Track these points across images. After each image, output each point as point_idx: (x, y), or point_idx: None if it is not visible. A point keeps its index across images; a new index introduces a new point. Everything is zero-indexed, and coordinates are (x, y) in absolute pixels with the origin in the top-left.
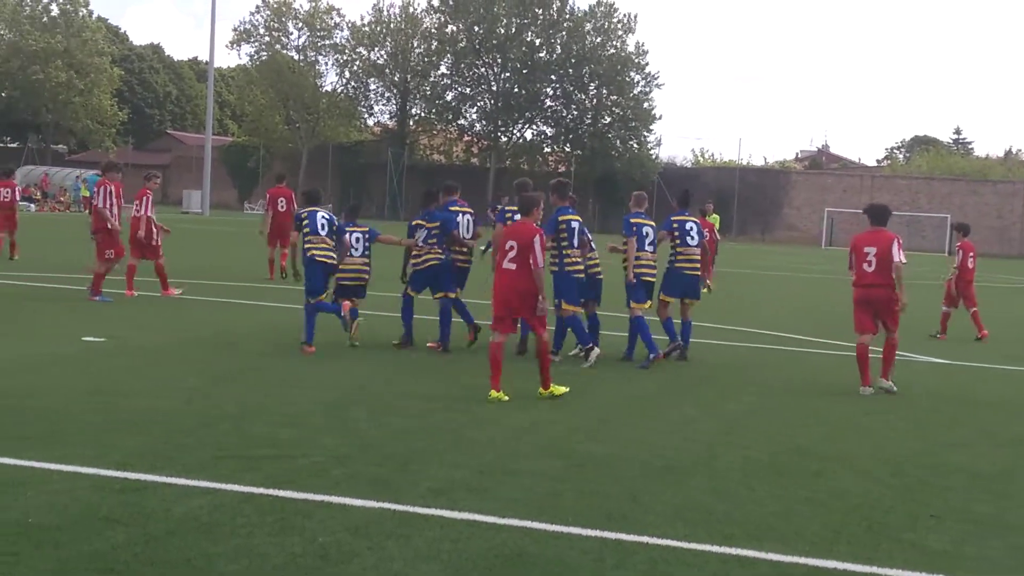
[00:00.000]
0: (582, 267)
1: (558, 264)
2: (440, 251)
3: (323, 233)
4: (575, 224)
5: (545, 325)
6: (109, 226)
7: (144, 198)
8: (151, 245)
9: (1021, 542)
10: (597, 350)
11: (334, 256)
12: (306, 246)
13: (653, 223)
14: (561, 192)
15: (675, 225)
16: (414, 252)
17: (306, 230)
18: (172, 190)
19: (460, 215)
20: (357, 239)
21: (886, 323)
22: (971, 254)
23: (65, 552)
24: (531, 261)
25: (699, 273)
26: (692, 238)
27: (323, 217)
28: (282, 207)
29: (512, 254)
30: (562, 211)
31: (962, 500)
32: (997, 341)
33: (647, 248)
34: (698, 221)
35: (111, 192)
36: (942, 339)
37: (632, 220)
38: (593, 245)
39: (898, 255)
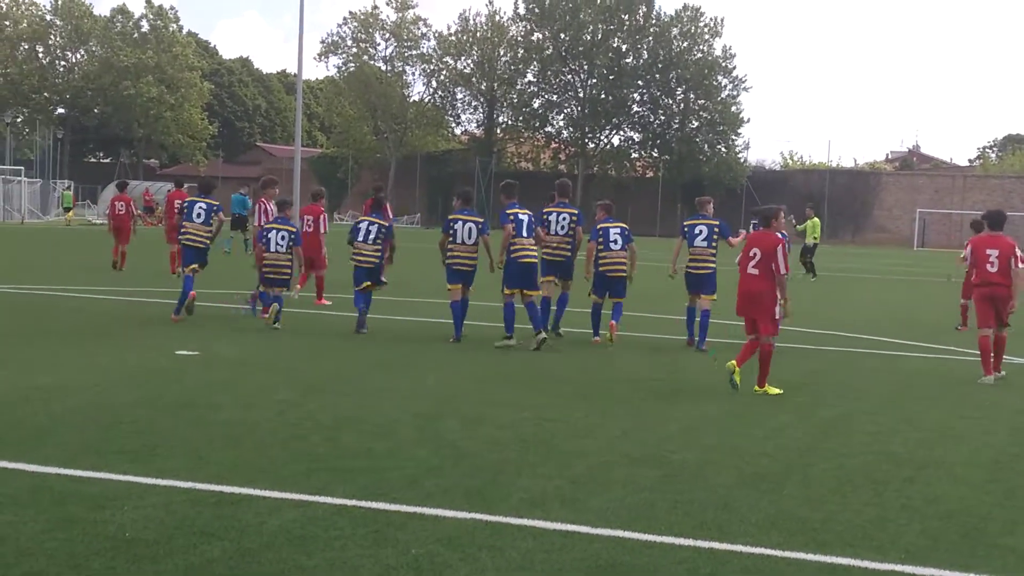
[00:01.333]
0: (534, 255)
1: (507, 253)
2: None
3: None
4: (523, 217)
5: (777, 328)
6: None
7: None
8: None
9: None
10: (543, 335)
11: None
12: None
13: (712, 223)
14: (508, 192)
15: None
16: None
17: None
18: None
19: (462, 223)
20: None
21: (1001, 320)
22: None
23: (161, 566)
24: (774, 267)
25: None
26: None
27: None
28: (309, 226)
29: (755, 260)
30: (511, 207)
31: None
32: None
33: (698, 244)
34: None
35: (269, 210)
36: (963, 330)
37: (686, 222)
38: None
39: (1016, 262)
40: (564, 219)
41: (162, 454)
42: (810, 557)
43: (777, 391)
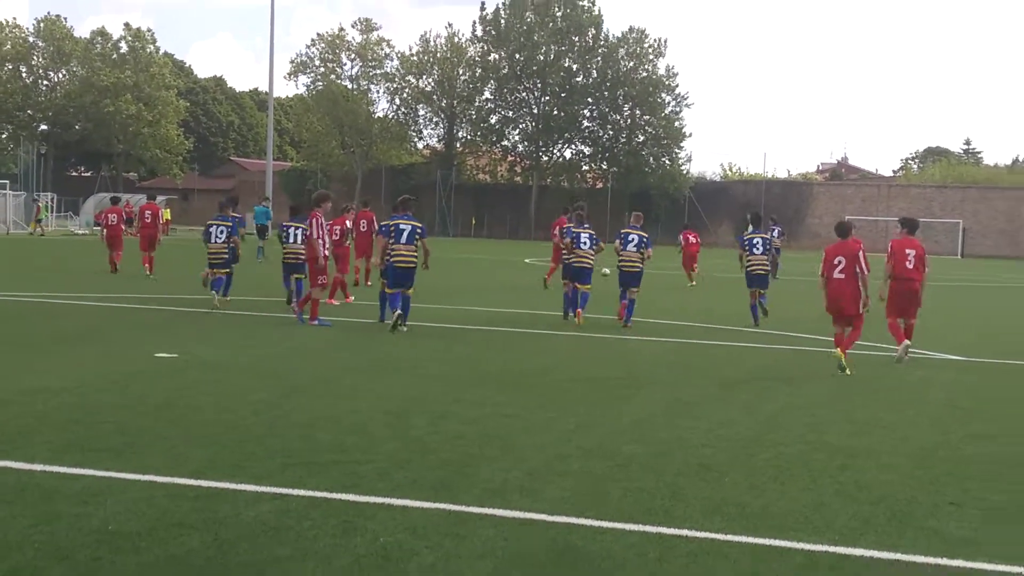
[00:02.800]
0: (410, 259)
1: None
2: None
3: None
4: (404, 227)
5: (860, 322)
6: (321, 257)
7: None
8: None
9: None
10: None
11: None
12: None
13: (643, 234)
14: (401, 205)
15: (745, 241)
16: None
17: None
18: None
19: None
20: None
21: (910, 311)
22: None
23: (144, 557)
24: (858, 269)
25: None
26: (757, 248)
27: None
28: (363, 228)
29: (841, 266)
30: (395, 217)
31: (980, 489)
32: (1008, 339)
33: (629, 250)
34: (764, 236)
35: (323, 224)
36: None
37: (622, 231)
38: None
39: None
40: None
41: (143, 451)
42: (751, 540)
43: (846, 365)
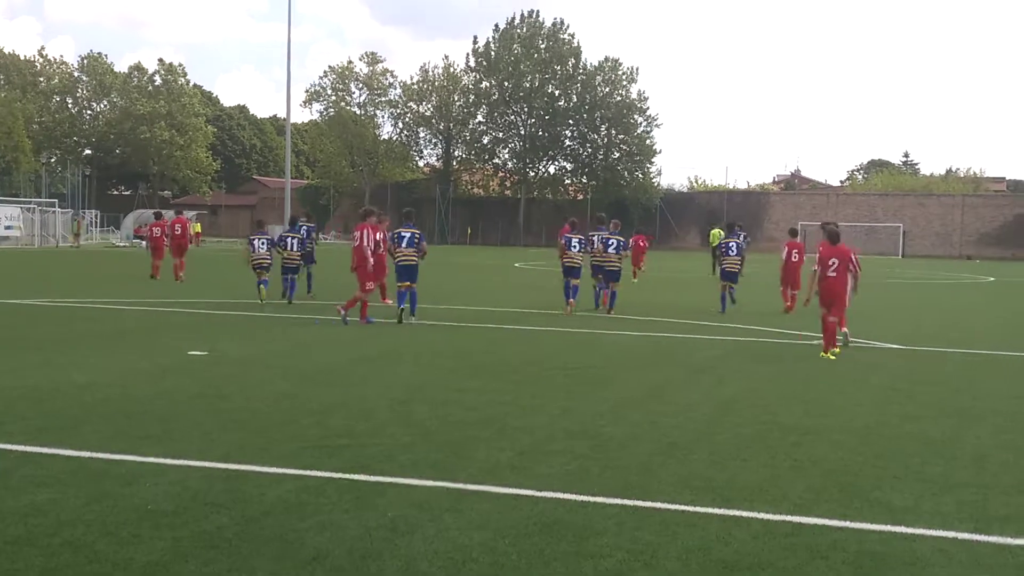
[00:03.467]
0: (413, 259)
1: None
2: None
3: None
4: (405, 234)
5: (844, 311)
6: (368, 263)
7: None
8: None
9: (966, 497)
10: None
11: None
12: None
13: (620, 238)
14: (406, 217)
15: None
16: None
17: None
18: None
19: (404, 234)
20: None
21: (836, 308)
22: (795, 250)
23: (178, 532)
24: (851, 268)
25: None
26: (732, 251)
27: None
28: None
29: (835, 266)
30: (402, 227)
31: (918, 463)
32: (941, 329)
33: (610, 252)
34: (737, 241)
35: (369, 235)
36: (791, 311)
37: (605, 235)
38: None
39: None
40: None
41: (178, 438)
42: (716, 511)
43: (833, 356)
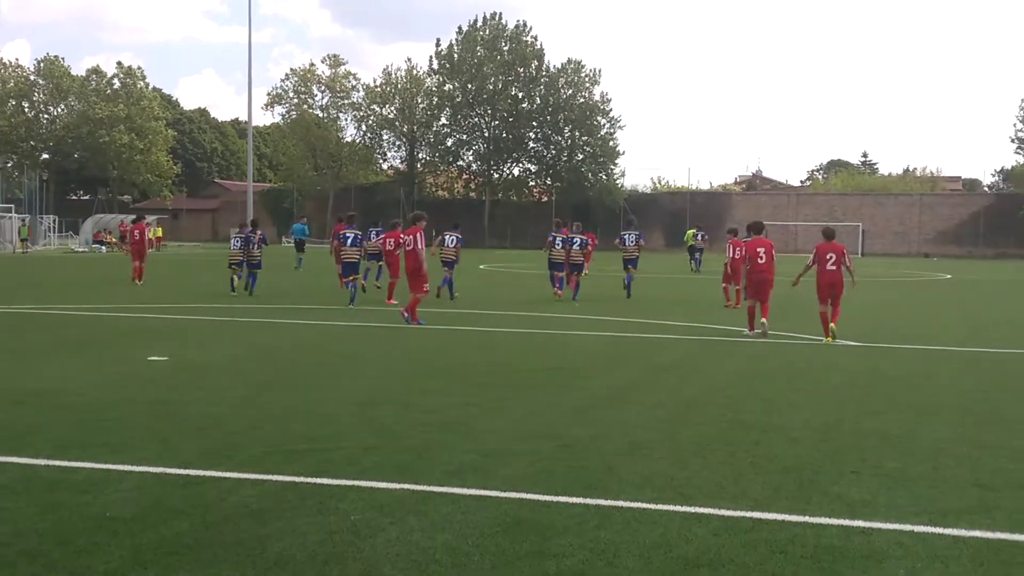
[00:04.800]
0: (356, 257)
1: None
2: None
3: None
4: (349, 235)
5: (840, 301)
6: (423, 267)
7: (416, 235)
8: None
9: (922, 491)
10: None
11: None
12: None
13: (582, 236)
14: (346, 220)
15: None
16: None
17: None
18: (221, 229)
19: (348, 235)
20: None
21: (764, 296)
22: (738, 247)
23: (138, 540)
24: (846, 263)
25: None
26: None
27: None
28: (390, 247)
29: (832, 260)
30: (347, 228)
31: (875, 458)
32: (900, 326)
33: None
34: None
35: (418, 238)
36: (732, 307)
37: (570, 235)
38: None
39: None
40: (634, 235)
41: (137, 445)
42: (677, 508)
43: (831, 339)
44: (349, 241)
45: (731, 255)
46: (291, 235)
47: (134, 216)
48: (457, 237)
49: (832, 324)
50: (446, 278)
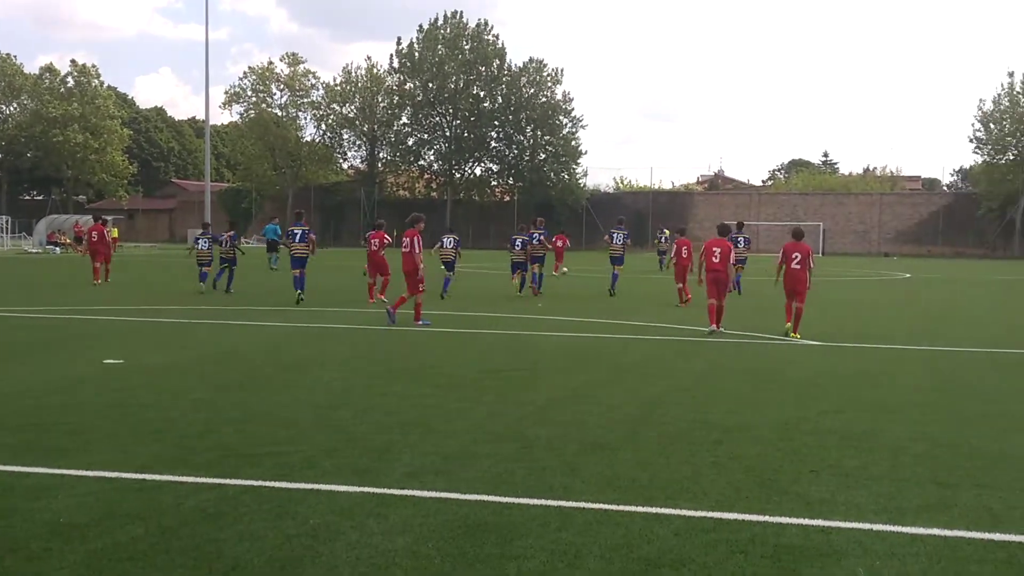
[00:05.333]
0: (303, 252)
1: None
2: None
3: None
4: (297, 231)
5: (804, 298)
6: (420, 267)
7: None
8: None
9: (882, 489)
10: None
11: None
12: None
13: (540, 232)
14: (295, 218)
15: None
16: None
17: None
18: (178, 229)
19: (296, 232)
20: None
21: (720, 293)
22: (684, 247)
23: (92, 545)
24: (810, 263)
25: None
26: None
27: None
28: (374, 247)
29: (797, 259)
30: (295, 225)
31: (836, 457)
32: (861, 325)
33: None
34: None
35: (418, 241)
36: (683, 306)
37: (535, 232)
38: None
39: (733, 255)
40: (622, 234)
41: (92, 449)
42: (638, 509)
43: (797, 336)
44: (297, 238)
45: (680, 255)
46: (263, 235)
47: (103, 218)
48: (455, 239)
49: (788, 324)
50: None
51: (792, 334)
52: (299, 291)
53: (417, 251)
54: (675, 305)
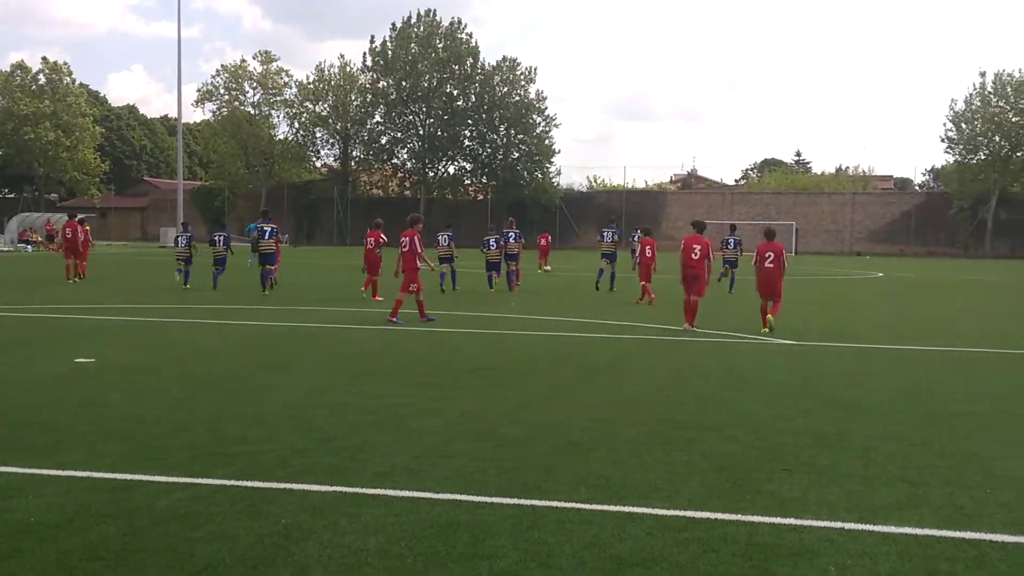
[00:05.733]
0: (271, 248)
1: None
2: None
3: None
4: (267, 229)
5: (781, 295)
6: (421, 266)
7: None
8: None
9: (853, 488)
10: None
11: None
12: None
13: (517, 232)
14: (263, 216)
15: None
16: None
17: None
18: (150, 228)
19: (264, 229)
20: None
21: (697, 291)
22: (648, 246)
23: (63, 545)
24: (783, 261)
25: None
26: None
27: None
28: (371, 245)
29: (771, 259)
30: (265, 223)
31: (808, 455)
32: (834, 324)
33: (511, 241)
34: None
35: (418, 240)
36: (641, 303)
37: (506, 231)
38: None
39: (712, 253)
40: (612, 233)
41: (64, 449)
42: (611, 508)
43: (768, 329)
44: (267, 235)
45: (644, 254)
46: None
47: (79, 216)
48: (450, 235)
49: (770, 316)
50: (443, 274)
51: (764, 328)
52: (266, 286)
53: (419, 250)
54: (635, 303)
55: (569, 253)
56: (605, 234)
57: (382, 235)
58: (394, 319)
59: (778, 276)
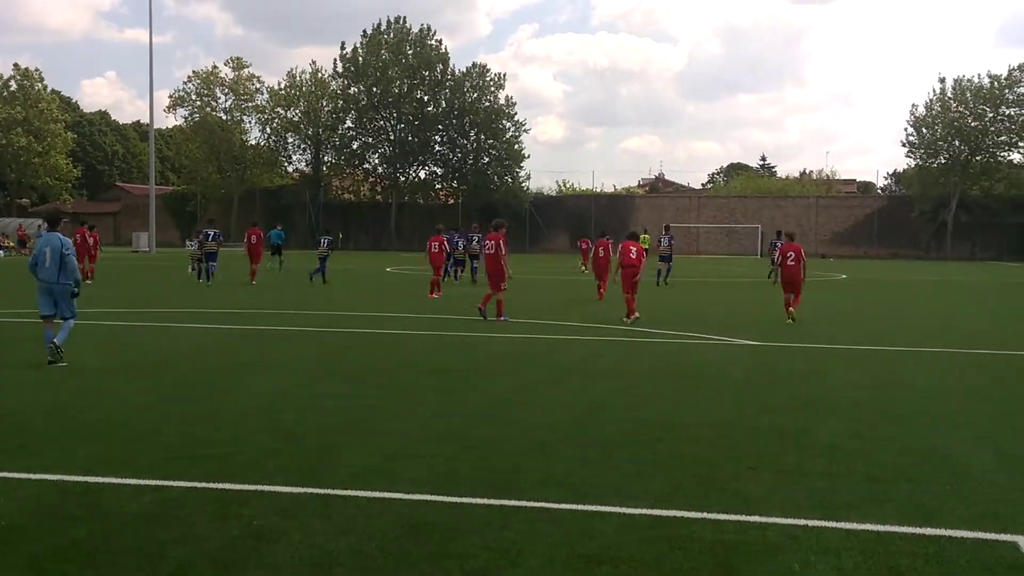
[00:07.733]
0: (213, 250)
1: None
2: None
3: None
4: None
5: (801, 289)
6: (507, 269)
7: (498, 241)
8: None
9: (817, 486)
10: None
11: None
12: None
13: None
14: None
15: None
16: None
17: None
18: (123, 232)
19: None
20: None
21: (633, 287)
22: (603, 247)
23: (34, 548)
24: (803, 259)
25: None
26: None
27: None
28: (435, 249)
29: (792, 258)
30: (210, 227)
31: (773, 454)
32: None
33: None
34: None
35: (503, 243)
36: (602, 299)
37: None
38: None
39: (643, 254)
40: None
41: (35, 452)
42: (579, 507)
43: (791, 320)
44: (211, 237)
45: (598, 254)
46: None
47: (88, 223)
48: (217, 232)
49: (792, 308)
50: (474, 267)
51: (788, 320)
52: (208, 281)
53: (503, 253)
54: (595, 300)
55: (538, 256)
56: (662, 240)
57: (463, 238)
58: (502, 318)
59: (799, 272)
